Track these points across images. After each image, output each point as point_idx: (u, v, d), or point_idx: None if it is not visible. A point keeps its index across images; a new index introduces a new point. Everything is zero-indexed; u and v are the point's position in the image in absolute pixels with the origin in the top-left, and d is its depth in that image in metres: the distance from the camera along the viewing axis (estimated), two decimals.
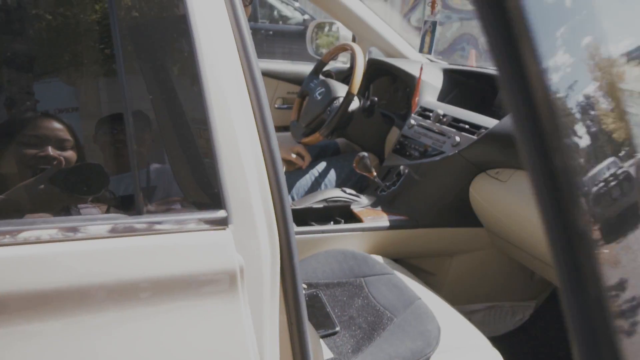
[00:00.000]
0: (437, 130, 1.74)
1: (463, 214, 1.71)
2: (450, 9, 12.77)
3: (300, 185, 1.90)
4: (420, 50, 1.69)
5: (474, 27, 12.83)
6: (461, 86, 1.99)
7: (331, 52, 2.13)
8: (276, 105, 2.46)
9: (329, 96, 1.98)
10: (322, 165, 1.98)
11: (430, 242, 1.74)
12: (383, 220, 1.67)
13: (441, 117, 1.76)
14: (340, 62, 2.58)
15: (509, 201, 1.52)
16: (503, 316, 1.88)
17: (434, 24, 1.64)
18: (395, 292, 1.33)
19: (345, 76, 2.49)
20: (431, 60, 2.43)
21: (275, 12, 9.11)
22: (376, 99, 1.97)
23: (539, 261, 1.54)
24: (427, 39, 1.65)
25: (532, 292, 1.89)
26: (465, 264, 1.77)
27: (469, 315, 1.62)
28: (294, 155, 1.98)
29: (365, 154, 1.70)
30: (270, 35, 8.58)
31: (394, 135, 2.02)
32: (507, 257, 1.77)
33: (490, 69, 2.14)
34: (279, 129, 2.43)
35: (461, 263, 1.77)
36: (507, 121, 1.52)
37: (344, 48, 2.06)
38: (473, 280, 1.80)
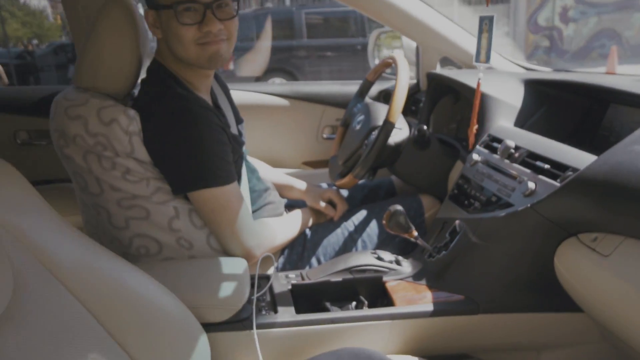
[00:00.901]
0: (505, 171, 1.21)
1: (548, 293, 1.15)
2: (585, 3, 11.40)
3: (330, 243, 1.47)
4: (477, 59, 1.18)
5: (616, 22, 11.31)
6: (551, 103, 1.42)
7: (376, 70, 1.68)
8: (324, 136, 2.05)
9: (368, 125, 1.53)
10: (362, 214, 1.52)
11: (500, 333, 1.20)
12: (425, 301, 1.18)
13: (512, 151, 1.22)
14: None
15: (613, 285, 0.95)
16: None
17: (491, 20, 1.12)
18: None
19: (411, 94, 2.01)
20: (527, 69, 1.86)
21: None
22: (425, 127, 1.48)
23: None
24: (484, 41, 1.14)
25: None
26: None
27: None
28: (323, 204, 1.55)
29: (399, 207, 1.22)
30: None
31: (458, 171, 1.50)
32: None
33: (597, 75, 1.53)
34: (325, 163, 2.01)
35: None
36: (612, 158, 0.96)
37: (387, 63, 1.59)
38: None
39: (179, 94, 1.21)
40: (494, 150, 1.30)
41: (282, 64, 8.51)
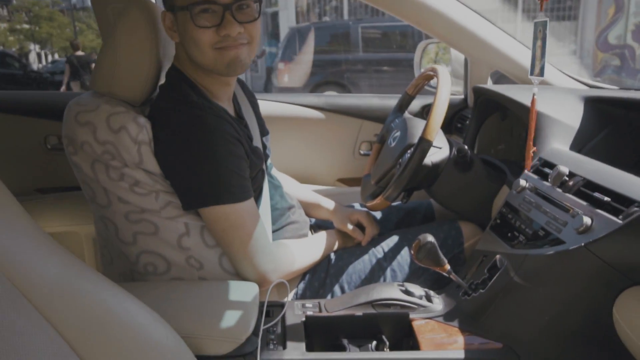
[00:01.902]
0: (556, 201, 1.04)
1: (603, 349, 0.97)
2: None
3: (355, 271, 1.33)
4: (531, 73, 1.03)
5: None
6: (616, 124, 1.23)
7: (416, 83, 1.54)
8: (361, 152, 1.92)
9: (404, 142, 1.39)
10: (393, 240, 1.38)
11: None
12: (456, 346, 1.02)
13: (566, 179, 1.05)
14: (457, 93, 1.95)
15: None
16: None
17: (545, 25, 0.97)
18: None
19: (457, 110, 1.85)
20: (590, 86, 1.67)
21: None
22: (466, 147, 1.32)
23: None
24: (538, 52, 0.99)
25: None
26: None
27: None
28: (351, 226, 1.42)
29: (430, 237, 1.07)
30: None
31: (504, 197, 1.33)
32: None
33: None
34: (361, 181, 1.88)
35: None
36: None
37: (428, 76, 1.45)
38: None
39: (195, 102, 1.13)
40: (545, 176, 1.13)
41: (336, 78, 8.48)
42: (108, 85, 1.17)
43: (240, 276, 1.19)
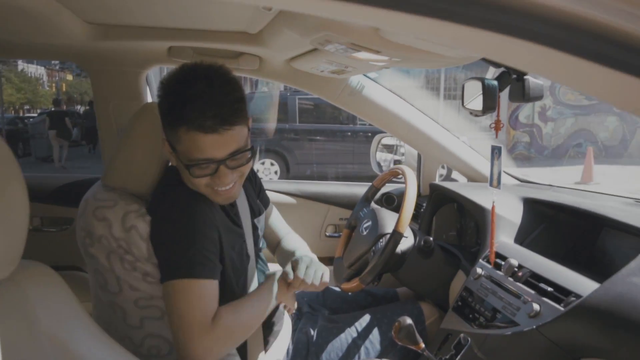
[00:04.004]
0: (509, 289, 1.28)
1: None
2: (563, 104, 12.08)
3: (334, 348, 1.49)
4: (490, 184, 1.29)
5: (591, 123, 11.94)
6: (549, 222, 1.52)
7: (382, 178, 1.78)
8: (327, 234, 2.12)
9: (375, 232, 1.60)
10: (365, 319, 1.56)
11: None
12: None
13: (515, 270, 1.30)
14: None
15: None
16: None
17: (499, 150, 1.24)
18: None
19: None
20: (521, 181, 1.98)
21: None
22: (431, 238, 1.56)
23: None
24: (495, 169, 1.25)
25: None
26: None
27: None
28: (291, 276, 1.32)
29: (409, 320, 1.26)
30: (370, 137, 8.52)
31: (459, 281, 1.56)
32: None
33: (594, 194, 1.65)
34: (326, 260, 2.06)
35: None
36: (612, 288, 1.03)
37: (395, 173, 1.70)
38: None
39: (180, 190, 1.22)
40: (497, 266, 1.37)
41: (274, 146, 8.73)
42: (123, 181, 1.30)
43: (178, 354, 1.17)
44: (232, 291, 1.29)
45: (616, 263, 1.28)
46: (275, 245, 1.61)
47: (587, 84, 0.59)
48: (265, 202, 1.57)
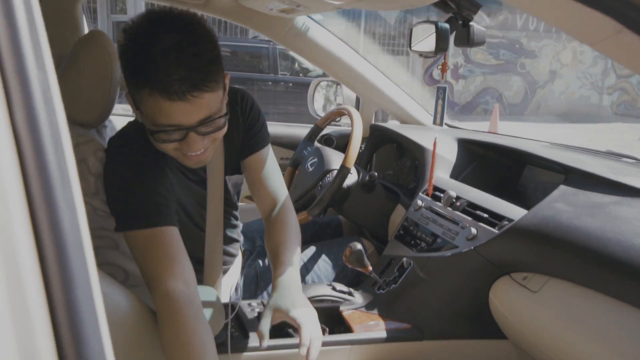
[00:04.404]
0: (449, 217, 1.42)
1: (482, 323, 1.35)
2: (473, 62, 12.69)
3: None
4: (434, 122, 1.39)
5: (498, 82, 12.68)
6: (480, 160, 1.67)
7: (326, 117, 1.85)
8: None
9: (322, 168, 1.68)
10: (311, 250, 1.65)
11: (442, 357, 1.38)
12: (379, 328, 1.33)
13: (454, 201, 1.43)
14: (346, 125, 2.30)
15: (540, 316, 1.17)
16: None
17: (444, 90, 1.34)
18: None
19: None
20: (450, 126, 2.13)
21: (297, 65, 9.05)
22: (376, 173, 1.66)
23: None
24: (439, 108, 1.36)
25: None
26: None
27: None
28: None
29: (359, 246, 1.37)
30: (290, 87, 8.50)
31: (399, 214, 1.69)
32: None
33: (517, 138, 1.82)
34: None
35: None
36: (539, 212, 1.19)
37: (340, 112, 1.77)
38: None
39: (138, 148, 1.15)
40: (436, 198, 1.51)
41: None
42: (69, 111, 1.26)
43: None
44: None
45: (537, 196, 1.46)
46: (264, 207, 1.38)
47: (554, 17, 0.68)
48: (257, 142, 1.32)
